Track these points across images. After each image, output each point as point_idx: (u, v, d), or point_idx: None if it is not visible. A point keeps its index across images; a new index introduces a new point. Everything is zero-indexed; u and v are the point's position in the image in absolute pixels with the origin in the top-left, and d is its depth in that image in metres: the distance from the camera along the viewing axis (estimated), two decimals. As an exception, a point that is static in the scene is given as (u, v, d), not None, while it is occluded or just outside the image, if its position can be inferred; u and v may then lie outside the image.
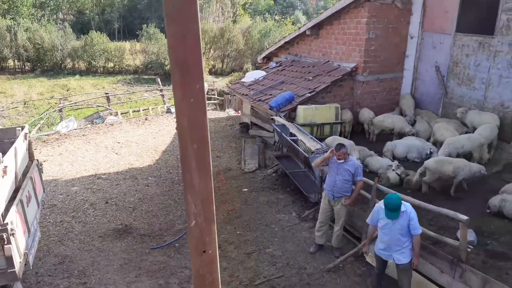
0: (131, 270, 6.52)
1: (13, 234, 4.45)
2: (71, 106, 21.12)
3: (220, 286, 1.64)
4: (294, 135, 9.23)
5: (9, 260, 4.39)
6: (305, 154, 7.98)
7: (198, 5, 1.27)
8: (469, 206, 7.60)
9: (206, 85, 19.89)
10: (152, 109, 19.27)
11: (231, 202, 8.71)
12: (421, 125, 10.31)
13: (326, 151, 7.79)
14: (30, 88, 29.84)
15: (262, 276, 6.10)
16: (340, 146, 6.15)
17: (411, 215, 4.74)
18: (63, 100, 20.27)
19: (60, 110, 18.95)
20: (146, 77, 35.85)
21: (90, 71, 36.82)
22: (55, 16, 48.62)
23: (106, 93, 19.53)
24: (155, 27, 39.87)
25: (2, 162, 4.90)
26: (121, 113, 18.32)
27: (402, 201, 4.74)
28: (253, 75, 14.33)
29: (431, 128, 9.98)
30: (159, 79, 20.90)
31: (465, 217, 5.01)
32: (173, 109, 18.53)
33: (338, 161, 6.11)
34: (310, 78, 11.86)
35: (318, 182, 7.70)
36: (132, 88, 30.86)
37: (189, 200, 1.44)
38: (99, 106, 19.76)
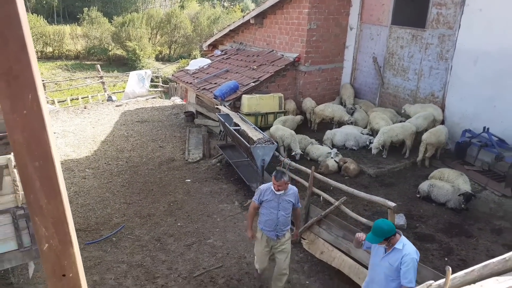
0: (63, 268, 6.20)
1: None
2: None
3: None
4: (238, 125, 9.22)
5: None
6: (247, 143, 8.00)
7: (20, 6, 1.15)
8: (401, 191, 8.08)
9: (149, 71, 19.29)
10: (92, 97, 18.32)
11: (173, 193, 8.54)
12: (359, 114, 10.69)
13: (268, 141, 7.88)
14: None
15: (202, 268, 6.08)
16: (281, 174, 4.83)
17: (406, 259, 3.60)
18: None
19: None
20: (89, 63, 34.06)
21: (26, 56, 34.34)
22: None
23: (41, 80, 18.24)
24: (97, 11, 37.83)
25: None
26: (58, 102, 17.27)
27: (403, 241, 3.71)
28: (197, 63, 14.08)
29: (369, 117, 10.37)
30: (99, 66, 19.86)
31: (393, 204, 5.26)
32: (114, 97, 17.76)
33: (278, 192, 4.85)
34: (255, 67, 11.86)
35: (260, 171, 7.79)
36: (73, 74, 29.18)
37: (38, 223, 1.32)
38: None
